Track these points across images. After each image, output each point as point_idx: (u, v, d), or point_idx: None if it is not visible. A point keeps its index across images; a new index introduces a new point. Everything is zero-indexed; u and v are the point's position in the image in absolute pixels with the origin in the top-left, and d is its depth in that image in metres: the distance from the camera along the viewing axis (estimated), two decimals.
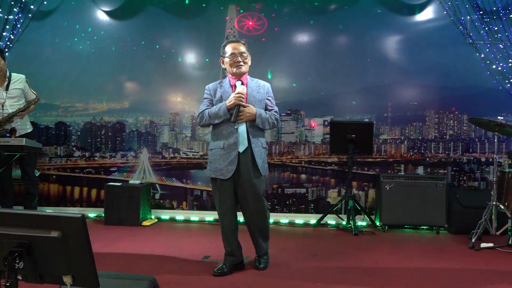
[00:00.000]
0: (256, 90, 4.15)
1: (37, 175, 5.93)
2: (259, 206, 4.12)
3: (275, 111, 4.21)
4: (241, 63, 4.08)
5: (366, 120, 6.65)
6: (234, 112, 3.94)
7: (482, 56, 6.33)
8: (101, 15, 6.79)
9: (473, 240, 5.17)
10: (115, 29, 6.81)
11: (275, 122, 4.17)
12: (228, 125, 4.02)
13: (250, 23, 6.67)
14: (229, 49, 4.10)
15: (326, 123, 6.70)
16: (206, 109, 4.11)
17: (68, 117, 6.93)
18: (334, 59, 6.68)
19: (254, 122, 4.04)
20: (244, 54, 4.08)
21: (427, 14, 6.57)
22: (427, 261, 4.67)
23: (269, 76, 6.59)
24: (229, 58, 4.09)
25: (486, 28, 6.26)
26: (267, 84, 4.26)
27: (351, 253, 4.95)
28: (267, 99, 4.20)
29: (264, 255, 4.35)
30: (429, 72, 6.56)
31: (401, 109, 6.69)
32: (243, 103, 4.00)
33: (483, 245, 5.11)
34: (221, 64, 4.22)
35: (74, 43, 6.81)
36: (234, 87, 4.11)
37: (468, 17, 6.33)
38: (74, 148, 6.90)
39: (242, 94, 3.99)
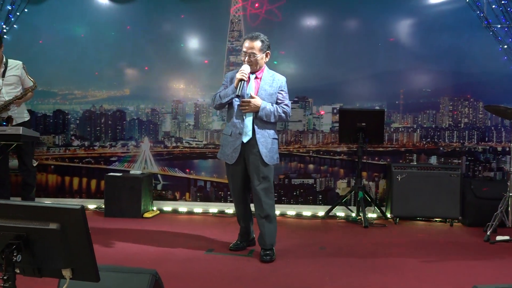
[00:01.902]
0: (269, 84, 4.42)
1: (34, 165, 5.93)
2: (265, 187, 4.40)
3: (285, 104, 4.43)
4: (249, 63, 4.35)
5: (377, 107, 6.63)
6: (239, 87, 4.25)
7: (499, 40, 6.28)
8: None
9: (488, 233, 5.16)
10: (114, 13, 6.79)
11: (283, 115, 4.40)
12: (238, 115, 4.37)
13: (256, 5, 6.64)
14: (244, 44, 4.40)
15: (335, 110, 6.69)
16: (218, 92, 4.48)
17: (66, 105, 6.94)
18: (344, 44, 6.64)
19: (258, 114, 4.33)
20: (254, 54, 4.32)
21: None
22: (440, 254, 4.68)
23: (275, 62, 6.57)
24: (242, 53, 4.42)
25: (504, 11, 6.20)
26: (282, 79, 4.50)
27: (360, 246, 4.96)
28: (279, 92, 4.44)
29: (269, 249, 4.42)
30: (443, 57, 6.52)
31: (413, 96, 6.67)
32: (252, 95, 4.33)
33: (498, 238, 5.10)
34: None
35: (73, 28, 6.81)
36: (248, 79, 4.38)
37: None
38: (73, 137, 6.92)
39: (244, 71, 4.27)
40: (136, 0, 6.77)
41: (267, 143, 4.37)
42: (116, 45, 6.81)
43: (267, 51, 4.42)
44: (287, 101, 4.46)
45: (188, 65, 6.80)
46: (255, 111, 4.31)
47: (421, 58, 6.56)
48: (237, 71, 4.36)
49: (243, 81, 4.26)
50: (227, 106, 4.50)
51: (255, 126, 4.34)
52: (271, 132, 4.43)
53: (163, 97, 6.89)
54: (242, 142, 4.34)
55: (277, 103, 4.41)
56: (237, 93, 4.25)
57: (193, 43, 6.85)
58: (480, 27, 6.34)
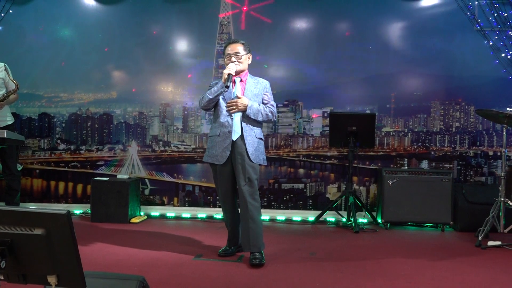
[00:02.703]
0: (254, 86, 4.59)
1: (19, 169, 5.89)
2: (250, 188, 4.44)
3: (271, 105, 4.60)
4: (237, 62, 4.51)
5: (368, 111, 6.66)
6: (228, 79, 4.33)
7: (491, 44, 6.35)
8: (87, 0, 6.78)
9: (479, 238, 5.19)
10: (101, 15, 6.79)
11: (269, 114, 4.55)
12: (226, 115, 4.47)
13: (245, 8, 6.66)
14: (226, 50, 4.58)
15: (325, 114, 6.72)
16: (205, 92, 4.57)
17: (52, 108, 6.92)
18: (334, 47, 6.68)
19: (246, 113, 4.45)
20: (238, 54, 4.51)
21: None
22: (431, 260, 4.70)
23: (265, 66, 6.60)
24: (225, 57, 4.56)
25: (495, 14, 6.27)
26: (266, 81, 4.69)
27: (351, 251, 4.97)
28: (264, 94, 4.61)
29: (257, 252, 4.43)
30: (435, 61, 6.57)
31: (404, 100, 6.71)
32: (238, 95, 4.46)
33: (490, 243, 5.14)
34: (225, 65, 4.58)
35: (58, 29, 6.80)
36: (233, 82, 4.55)
37: (476, 2, 6.34)
38: (58, 141, 6.89)
39: (231, 67, 4.39)
40: (123, 1, 6.78)
41: (254, 142, 4.48)
42: (103, 47, 6.80)
43: (249, 53, 4.63)
44: (273, 102, 4.63)
45: (176, 67, 6.80)
46: (243, 111, 4.44)
47: (412, 62, 6.61)
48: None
49: (230, 75, 4.36)
50: (213, 108, 4.58)
51: (243, 124, 4.46)
52: (258, 131, 4.56)
53: (151, 100, 6.89)
54: (232, 140, 4.43)
55: (263, 103, 4.58)
56: (226, 84, 4.33)
57: (182, 45, 6.86)
58: (472, 30, 6.41)
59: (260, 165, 4.56)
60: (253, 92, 4.54)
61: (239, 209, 4.62)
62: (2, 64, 5.51)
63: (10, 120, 5.64)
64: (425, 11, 6.58)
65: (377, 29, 6.63)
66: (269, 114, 4.53)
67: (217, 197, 6.46)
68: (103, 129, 6.90)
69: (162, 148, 6.85)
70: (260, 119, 4.50)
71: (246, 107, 4.41)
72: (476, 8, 6.35)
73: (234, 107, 4.41)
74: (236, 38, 4.70)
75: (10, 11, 6.60)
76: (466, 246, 5.23)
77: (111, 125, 6.90)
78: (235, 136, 4.44)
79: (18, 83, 5.44)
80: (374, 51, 6.63)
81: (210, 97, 4.43)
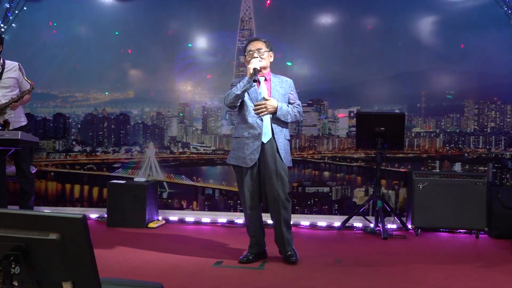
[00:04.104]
0: (279, 85, 4.65)
1: (33, 172, 5.96)
2: (284, 190, 4.58)
3: (298, 104, 4.69)
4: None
5: (397, 111, 6.62)
6: (252, 73, 4.37)
7: None
8: None
9: None
10: (118, 11, 6.85)
11: (297, 115, 4.65)
12: (254, 116, 4.52)
13: (268, 1, 6.66)
14: (248, 47, 4.65)
15: (352, 114, 6.68)
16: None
17: (67, 108, 7.00)
18: (361, 43, 6.65)
19: (275, 115, 4.51)
20: (261, 50, 4.57)
21: None
22: (464, 268, 4.64)
23: (289, 64, 6.59)
24: (247, 55, 4.62)
25: None
26: (290, 80, 4.77)
27: (379, 259, 4.94)
28: (290, 93, 4.70)
29: (292, 249, 4.68)
30: (468, 57, 6.50)
31: (436, 99, 6.65)
32: (266, 97, 4.51)
33: None
34: (246, 64, 4.66)
35: (74, 26, 6.87)
36: (258, 82, 4.58)
37: None
38: (74, 142, 6.96)
39: (255, 63, 4.43)
40: None
41: (284, 144, 4.59)
42: (119, 45, 6.85)
43: (271, 51, 4.69)
44: (298, 101, 4.72)
45: (195, 66, 6.82)
46: (272, 113, 4.49)
47: (444, 58, 6.55)
48: (243, 77, 4.56)
49: (256, 69, 4.40)
50: (237, 108, 4.61)
51: (273, 126, 4.53)
52: (287, 133, 4.67)
53: (169, 100, 6.93)
54: (262, 143, 4.49)
55: (289, 103, 4.66)
56: (254, 78, 4.37)
57: (201, 42, 6.89)
58: (508, 25, 6.33)
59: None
60: (279, 92, 4.60)
61: (270, 212, 4.67)
62: (16, 63, 5.55)
63: (24, 121, 5.71)
64: (457, 5, 6.51)
65: (406, 24, 6.58)
66: (297, 114, 4.63)
67: (238, 201, 6.49)
68: (120, 130, 6.95)
69: (180, 150, 6.88)
70: (289, 120, 4.58)
71: (275, 109, 4.47)
72: None
73: (264, 109, 4.47)
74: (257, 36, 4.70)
75: (25, 8, 6.69)
76: (501, 254, 5.16)
77: (128, 126, 6.95)
78: (265, 138, 4.51)
79: (33, 83, 5.50)
80: (403, 47, 6.58)
81: (237, 93, 4.43)
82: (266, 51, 4.59)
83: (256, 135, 4.49)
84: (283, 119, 4.53)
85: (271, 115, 4.52)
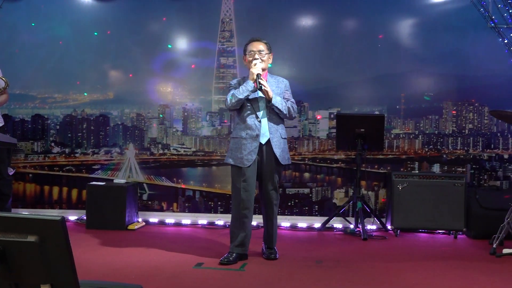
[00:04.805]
0: (276, 85, 4.79)
1: (11, 173, 5.90)
2: (276, 196, 4.80)
3: (292, 102, 4.84)
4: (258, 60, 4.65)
5: (377, 112, 6.66)
6: (255, 80, 4.49)
7: (506, 41, 6.33)
8: None
9: (494, 246, 5.16)
10: (98, 12, 6.80)
11: (291, 109, 4.76)
12: (252, 116, 4.65)
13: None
14: (249, 47, 4.76)
15: (332, 116, 6.71)
16: (231, 92, 4.68)
17: (46, 109, 6.93)
18: (341, 45, 6.67)
19: (270, 102, 4.59)
20: (262, 52, 4.69)
21: None
22: (443, 268, 4.69)
23: (269, 65, 6.59)
24: (248, 54, 4.74)
25: (510, 11, 6.26)
26: (286, 80, 4.93)
27: (359, 259, 4.96)
28: (285, 92, 4.86)
29: (273, 248, 4.90)
30: (447, 60, 6.56)
31: (415, 101, 6.70)
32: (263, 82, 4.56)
33: (505, 251, 5.11)
34: (244, 63, 4.89)
35: (53, 27, 6.80)
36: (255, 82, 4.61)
37: None
38: (52, 144, 6.90)
39: (257, 66, 4.55)
40: None
41: (280, 143, 4.70)
42: (99, 46, 6.81)
43: (271, 53, 4.83)
44: (293, 99, 4.87)
45: (176, 67, 6.80)
46: (269, 98, 4.55)
47: (423, 60, 6.60)
48: (242, 78, 4.79)
49: (259, 75, 4.51)
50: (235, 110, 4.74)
51: (269, 127, 4.66)
52: (283, 132, 4.79)
53: (149, 101, 6.89)
54: (260, 143, 4.62)
55: None
56: (259, 85, 4.48)
57: (181, 44, 6.86)
58: (486, 28, 6.39)
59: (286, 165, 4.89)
60: (275, 92, 4.70)
61: (264, 210, 4.84)
62: None
63: (1, 122, 5.64)
64: (436, 8, 6.57)
65: (386, 27, 6.62)
66: (291, 108, 4.72)
67: (219, 203, 6.53)
68: (99, 131, 6.90)
69: (161, 151, 6.85)
70: (284, 111, 4.65)
71: (271, 94, 4.55)
72: (490, 4, 6.32)
73: (266, 89, 4.52)
74: (258, 36, 4.83)
75: (1, 7, 6.61)
76: (480, 254, 5.21)
77: (108, 127, 6.90)
78: (263, 139, 4.64)
79: (8, 81, 5.34)
80: (383, 49, 6.62)
81: (241, 97, 4.55)
82: (266, 53, 4.73)
83: (254, 136, 4.61)
84: (279, 107, 4.60)
85: (267, 116, 4.66)
